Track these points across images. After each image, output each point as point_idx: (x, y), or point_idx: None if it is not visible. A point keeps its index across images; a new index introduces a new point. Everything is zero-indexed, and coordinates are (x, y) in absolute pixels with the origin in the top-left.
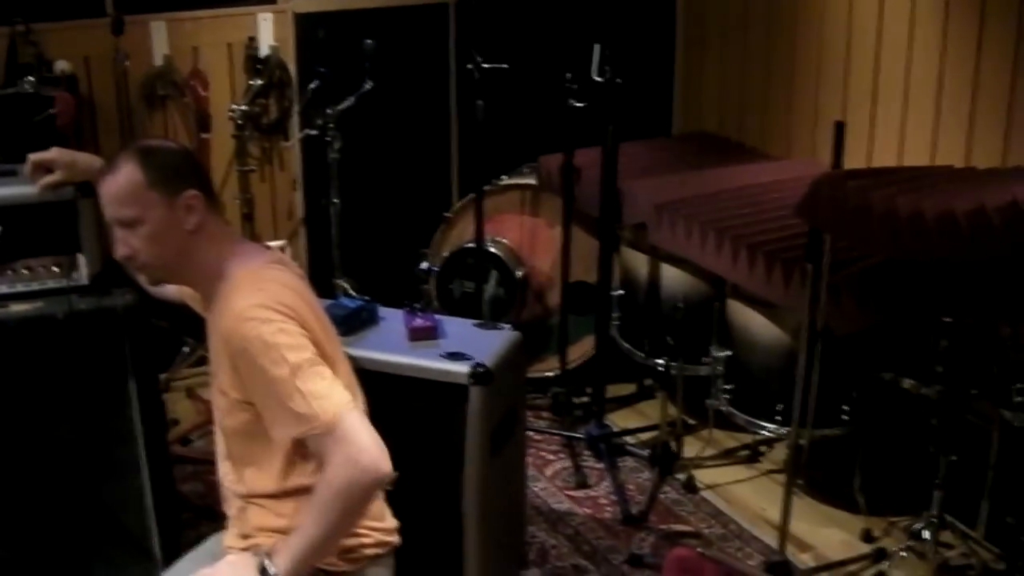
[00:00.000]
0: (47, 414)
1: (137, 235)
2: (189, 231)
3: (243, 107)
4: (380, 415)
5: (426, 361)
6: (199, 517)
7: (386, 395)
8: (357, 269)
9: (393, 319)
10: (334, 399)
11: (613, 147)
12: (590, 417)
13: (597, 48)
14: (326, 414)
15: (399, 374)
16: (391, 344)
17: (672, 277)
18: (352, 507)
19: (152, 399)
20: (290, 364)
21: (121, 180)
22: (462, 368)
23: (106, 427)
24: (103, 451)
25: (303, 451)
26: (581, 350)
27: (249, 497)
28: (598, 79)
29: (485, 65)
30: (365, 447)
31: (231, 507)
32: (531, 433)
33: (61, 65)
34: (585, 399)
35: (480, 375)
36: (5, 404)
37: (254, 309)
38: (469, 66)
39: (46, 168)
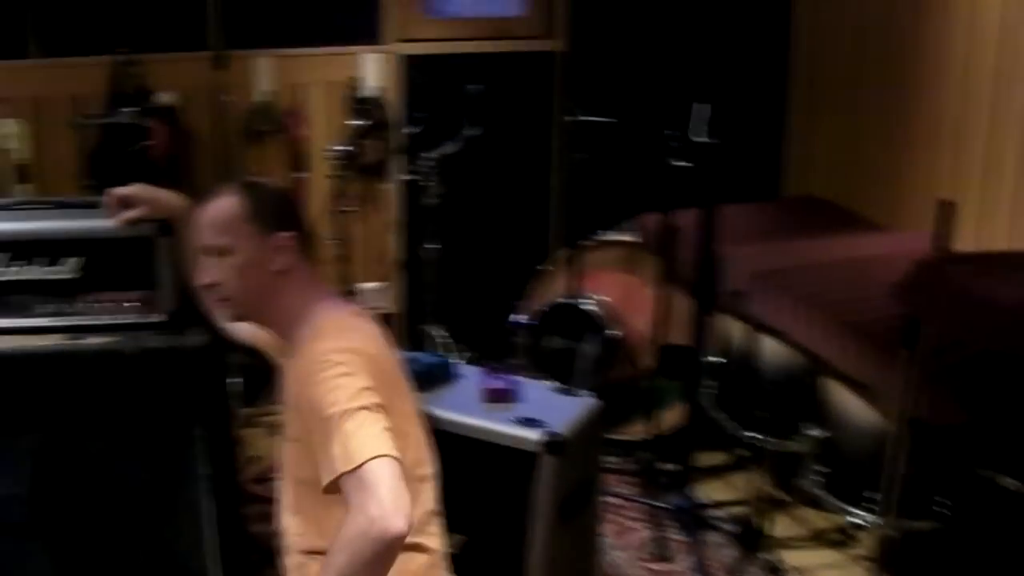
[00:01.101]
0: (114, 449)
1: (225, 265)
2: (275, 271)
3: (342, 147)
4: (449, 476)
5: (498, 425)
6: (268, 559)
7: (456, 456)
8: (450, 316)
9: (471, 378)
10: (372, 446)
11: (713, 210)
12: (677, 486)
13: (698, 108)
14: (357, 457)
15: (469, 436)
16: (465, 404)
17: (769, 348)
18: (358, 559)
19: (221, 440)
20: (344, 407)
21: (220, 208)
22: (534, 435)
23: (172, 466)
24: (168, 490)
25: None
26: (672, 416)
27: (311, 553)
28: (698, 140)
29: (587, 117)
30: (381, 499)
31: (290, 561)
32: (613, 499)
33: (162, 96)
34: (673, 467)
35: (552, 444)
36: (74, 436)
37: (330, 353)
38: (569, 118)
39: (127, 203)
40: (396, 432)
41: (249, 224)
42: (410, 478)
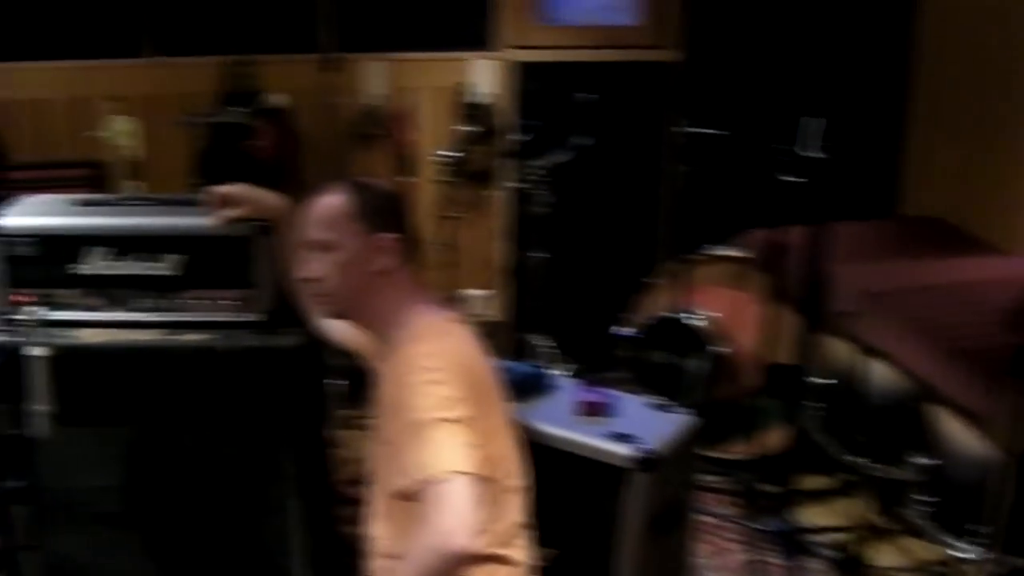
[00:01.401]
0: (207, 445)
1: (327, 260)
2: (377, 272)
3: (451, 153)
4: (540, 489)
5: (590, 439)
6: (357, 562)
7: (547, 469)
8: (554, 327)
9: (566, 390)
10: (451, 460)
11: (823, 227)
12: (777, 509)
13: (810, 122)
14: (438, 469)
15: (561, 449)
16: (558, 417)
17: (876, 371)
18: (423, 572)
19: (314, 441)
20: (431, 415)
21: (328, 204)
22: (626, 451)
23: (263, 465)
24: (258, 489)
25: None
26: (775, 437)
27: (396, 557)
28: (810, 154)
29: (698, 129)
30: (454, 517)
31: (376, 565)
32: (710, 519)
33: (273, 98)
34: (774, 489)
35: (644, 461)
36: (168, 430)
37: (423, 357)
38: (679, 129)
39: (228, 202)
40: (486, 443)
41: (355, 222)
42: (499, 490)
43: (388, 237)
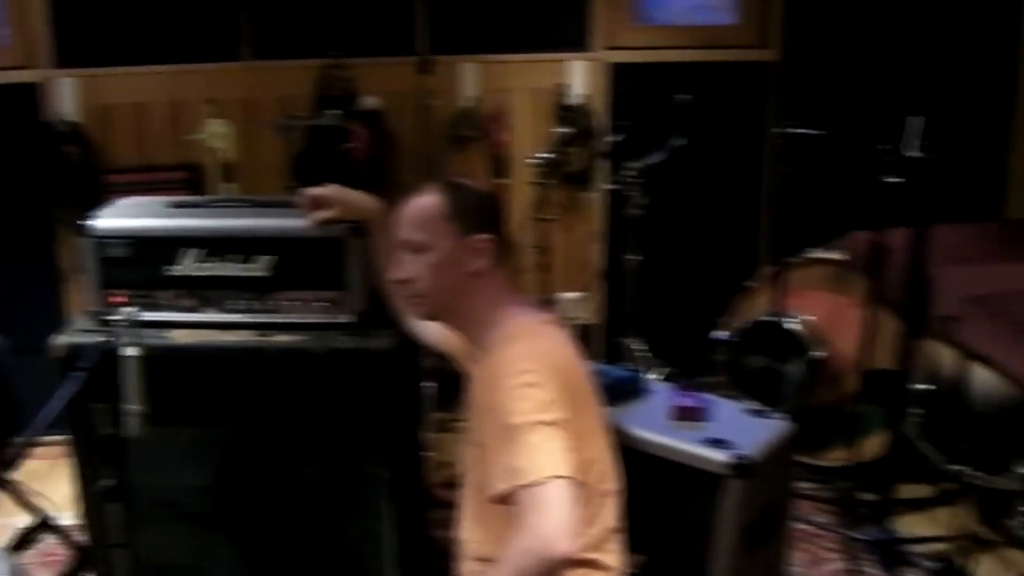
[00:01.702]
0: (298, 447)
1: (420, 261)
2: (470, 272)
3: (547, 154)
4: (633, 494)
5: (684, 444)
6: (448, 564)
7: (640, 474)
8: (649, 330)
9: (661, 394)
10: (551, 464)
11: (926, 229)
12: (876, 518)
13: (912, 121)
14: (536, 473)
15: (655, 454)
16: (652, 421)
17: (980, 377)
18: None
19: (405, 443)
20: (528, 419)
21: (422, 204)
22: (721, 457)
23: (354, 467)
24: (349, 490)
25: None
26: (874, 444)
27: (487, 560)
28: (911, 155)
29: (797, 130)
30: (551, 520)
31: (466, 568)
32: (807, 527)
33: (368, 100)
34: (873, 497)
35: (739, 467)
36: (260, 431)
37: (519, 359)
38: (778, 130)
39: (321, 203)
40: (581, 446)
41: (448, 223)
42: (594, 493)
43: (482, 238)
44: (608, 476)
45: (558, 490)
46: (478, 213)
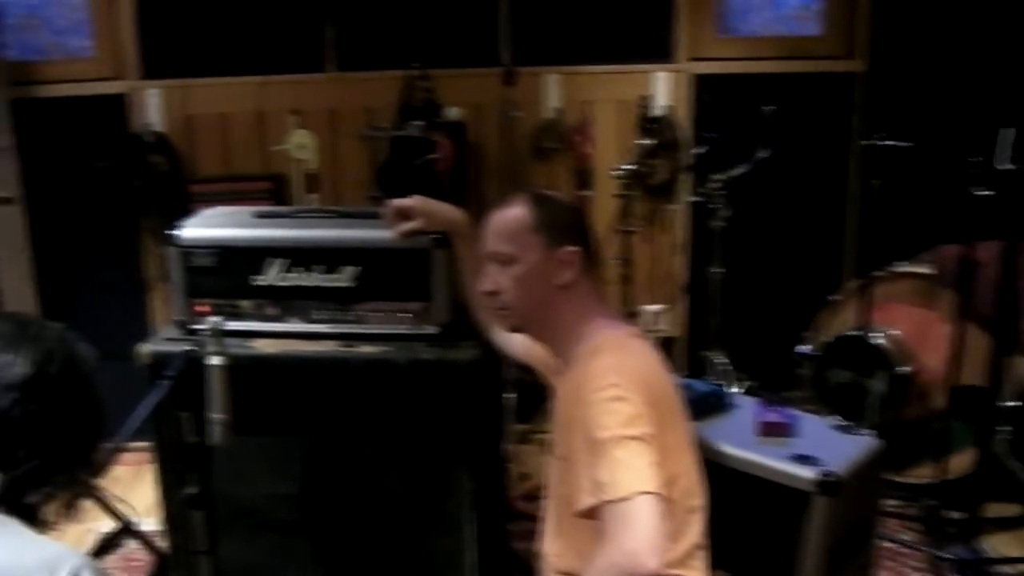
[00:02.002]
0: (381, 456)
1: (508, 274)
2: (558, 285)
3: (630, 166)
4: (717, 509)
5: (770, 460)
6: None
7: (725, 489)
8: (733, 342)
9: (746, 409)
10: (640, 480)
11: (1016, 243)
12: (963, 537)
13: (1004, 133)
14: (623, 489)
15: (740, 469)
16: (737, 436)
17: None
18: None
19: (488, 455)
20: (616, 433)
21: (509, 216)
22: (808, 474)
23: (437, 478)
24: (431, 501)
25: None
26: (963, 461)
27: (568, 575)
28: (1003, 167)
29: (885, 142)
30: (639, 536)
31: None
32: (893, 545)
33: (451, 111)
34: (960, 516)
35: (827, 484)
36: (343, 441)
37: (609, 373)
38: (865, 142)
39: (406, 214)
40: (667, 461)
41: (535, 235)
42: (679, 509)
43: (569, 250)
44: (694, 491)
45: (645, 506)
46: (565, 225)
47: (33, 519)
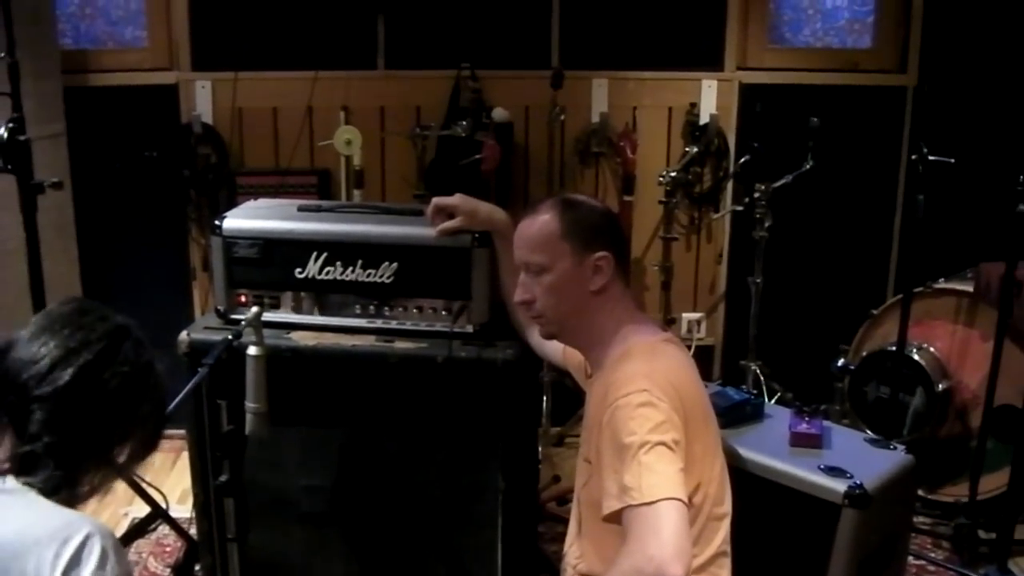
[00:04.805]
0: (415, 452)
1: (540, 282)
2: (592, 291)
3: (675, 173)
4: (746, 518)
5: (800, 471)
6: None
7: (755, 499)
8: (770, 353)
9: (778, 418)
10: (666, 486)
11: None
12: (995, 557)
13: None
14: (649, 494)
15: (770, 479)
16: (769, 446)
17: None
18: None
19: (521, 455)
20: (643, 439)
21: (538, 225)
22: (838, 486)
23: (469, 477)
24: (463, 499)
25: None
26: (998, 481)
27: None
28: None
29: (931, 157)
30: (664, 542)
31: None
32: (923, 563)
33: (499, 113)
34: (992, 536)
35: (856, 497)
36: (378, 436)
37: (639, 378)
38: (914, 156)
39: (448, 213)
40: (693, 467)
41: (565, 242)
42: (703, 516)
43: (600, 256)
44: (720, 499)
45: (670, 511)
46: (595, 230)
47: (57, 494)
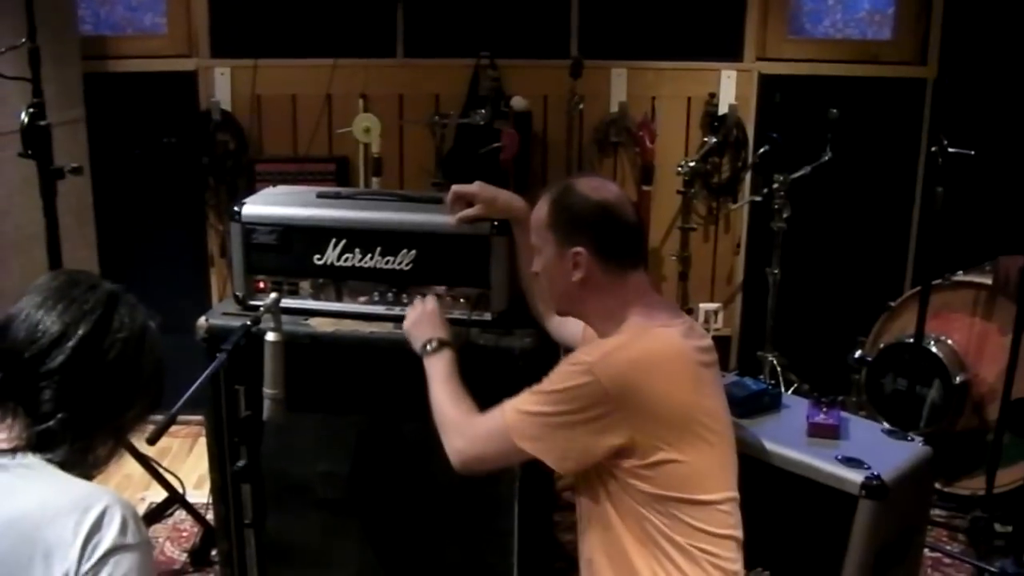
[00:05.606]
0: (430, 441)
1: (538, 262)
2: (574, 282)
3: (693, 163)
4: (762, 508)
5: (817, 461)
6: (573, 567)
7: (771, 488)
8: (788, 343)
9: (796, 409)
10: (521, 419)
11: None
12: (1011, 550)
13: None
14: (509, 407)
15: (787, 469)
16: (786, 436)
17: None
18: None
19: None
20: (533, 393)
21: (537, 209)
22: (855, 477)
23: None
24: (478, 487)
25: (632, 521)
26: (1014, 475)
27: (589, 561)
28: None
29: (951, 149)
30: (477, 438)
31: (581, 562)
32: (939, 555)
33: (518, 102)
34: (1009, 529)
35: (873, 488)
36: (395, 422)
37: (595, 351)
38: (933, 148)
39: (467, 201)
40: (647, 446)
41: (550, 231)
42: (683, 502)
43: (575, 251)
44: (724, 484)
45: (499, 425)
46: (577, 224)
47: (75, 466)
